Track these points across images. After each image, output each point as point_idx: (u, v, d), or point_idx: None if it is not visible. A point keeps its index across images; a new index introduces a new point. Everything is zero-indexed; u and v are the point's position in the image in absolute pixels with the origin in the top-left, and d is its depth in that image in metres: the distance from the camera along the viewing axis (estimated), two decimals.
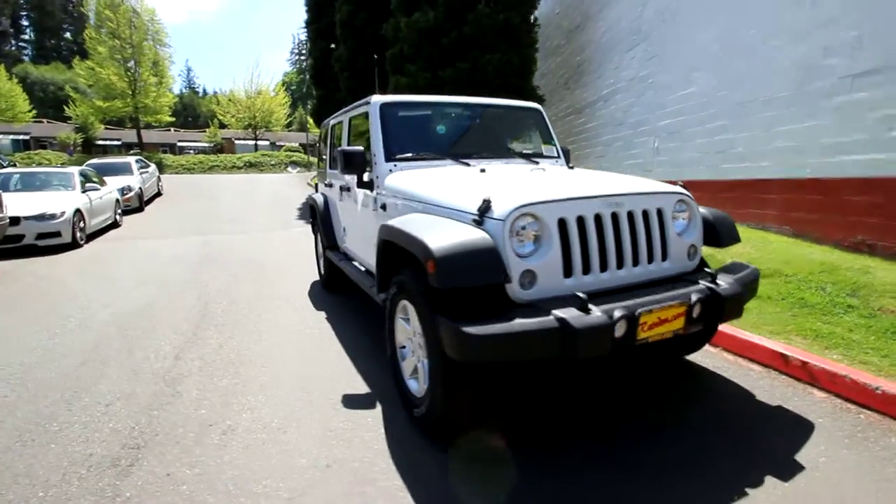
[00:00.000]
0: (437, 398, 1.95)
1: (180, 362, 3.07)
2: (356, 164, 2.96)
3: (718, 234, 2.41)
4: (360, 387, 2.67)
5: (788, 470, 1.85)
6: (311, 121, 36.23)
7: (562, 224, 1.96)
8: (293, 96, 50.54)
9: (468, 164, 2.99)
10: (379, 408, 2.42)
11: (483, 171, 2.68)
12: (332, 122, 4.33)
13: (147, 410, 2.45)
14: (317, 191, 5.34)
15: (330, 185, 4.30)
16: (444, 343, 1.77)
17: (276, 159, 33.63)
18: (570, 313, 1.74)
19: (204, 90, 74.39)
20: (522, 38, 9.76)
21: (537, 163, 3.25)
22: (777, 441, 2.07)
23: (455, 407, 1.95)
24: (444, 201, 2.17)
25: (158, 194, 14.73)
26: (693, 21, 6.61)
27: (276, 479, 1.88)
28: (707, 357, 2.92)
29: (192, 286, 5.07)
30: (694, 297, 2.00)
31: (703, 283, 2.11)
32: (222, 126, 39.15)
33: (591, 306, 1.78)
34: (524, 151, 3.43)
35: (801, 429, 2.15)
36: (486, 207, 1.91)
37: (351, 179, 3.46)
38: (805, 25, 4.78)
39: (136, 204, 11.50)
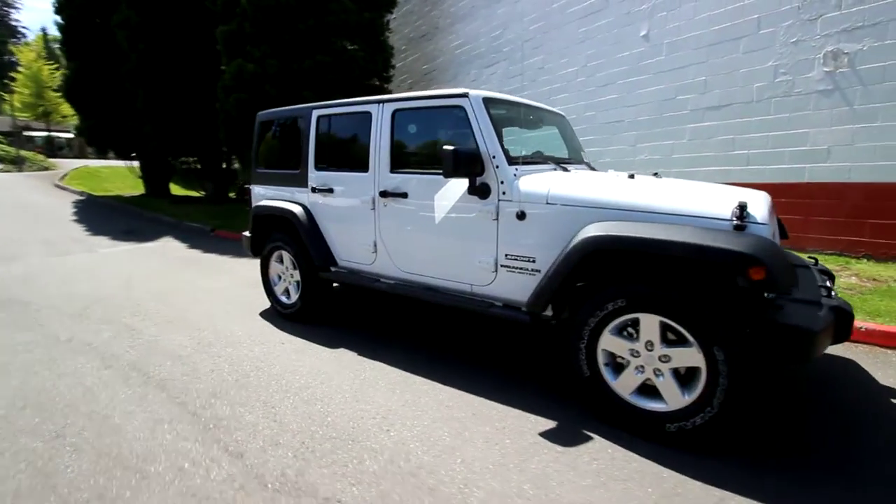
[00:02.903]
0: (726, 406, 1.93)
1: (250, 459, 2.05)
2: (472, 167, 2.54)
3: (784, 229, 3.08)
4: (540, 421, 2.31)
5: None
6: (16, 102, 26.42)
7: None
8: None
9: (567, 169, 2.93)
10: (597, 437, 2.18)
11: (632, 176, 2.68)
12: (321, 112, 3.47)
13: None
14: (248, 200, 4.19)
15: (328, 191, 3.44)
16: (784, 347, 1.80)
17: None
18: (833, 301, 2.01)
19: None
20: (382, 39, 9.54)
21: (594, 169, 3.41)
22: None
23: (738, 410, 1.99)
24: (676, 208, 2.12)
25: None
26: (555, 52, 7.77)
27: None
28: None
29: (59, 347, 3.31)
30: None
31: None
32: None
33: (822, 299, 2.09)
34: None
35: None
36: (745, 213, 2.00)
37: (415, 184, 2.92)
38: (662, 68, 6.29)
39: None
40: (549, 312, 2.56)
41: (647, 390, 2.18)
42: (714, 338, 1.92)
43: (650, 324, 2.08)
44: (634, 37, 6.59)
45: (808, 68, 4.90)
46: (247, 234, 4.20)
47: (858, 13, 4.48)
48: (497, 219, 2.60)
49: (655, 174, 3.11)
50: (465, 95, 2.71)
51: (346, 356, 3.17)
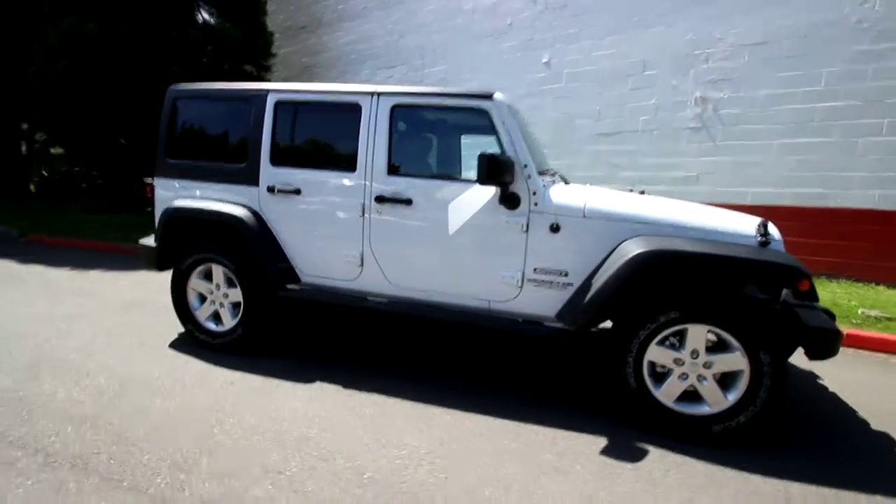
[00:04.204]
0: (768, 403, 2.13)
1: None
2: (506, 175, 2.36)
3: None
4: (592, 440, 2.22)
5: None
6: None
7: None
8: None
9: (567, 181, 2.95)
10: (652, 448, 2.18)
11: (643, 192, 2.79)
12: (283, 97, 2.85)
13: None
14: (152, 198, 3.27)
15: (294, 193, 2.82)
16: (816, 346, 2.06)
17: None
18: (820, 306, 2.40)
19: None
20: (262, 21, 8.47)
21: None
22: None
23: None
24: (708, 226, 2.28)
25: None
26: (458, 66, 7.93)
27: None
28: None
29: None
30: None
31: None
32: None
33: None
34: None
35: None
36: (767, 231, 2.26)
37: (424, 190, 2.60)
38: (562, 94, 6.91)
39: None
40: (560, 325, 2.51)
41: (686, 396, 2.29)
42: (761, 343, 2.11)
43: (698, 333, 2.19)
44: (537, 63, 7.11)
45: (682, 108, 5.93)
46: (149, 242, 3.22)
47: (720, 69, 5.61)
48: (527, 231, 2.46)
49: (631, 189, 3.35)
50: (489, 97, 2.51)
51: (329, 392, 2.63)
